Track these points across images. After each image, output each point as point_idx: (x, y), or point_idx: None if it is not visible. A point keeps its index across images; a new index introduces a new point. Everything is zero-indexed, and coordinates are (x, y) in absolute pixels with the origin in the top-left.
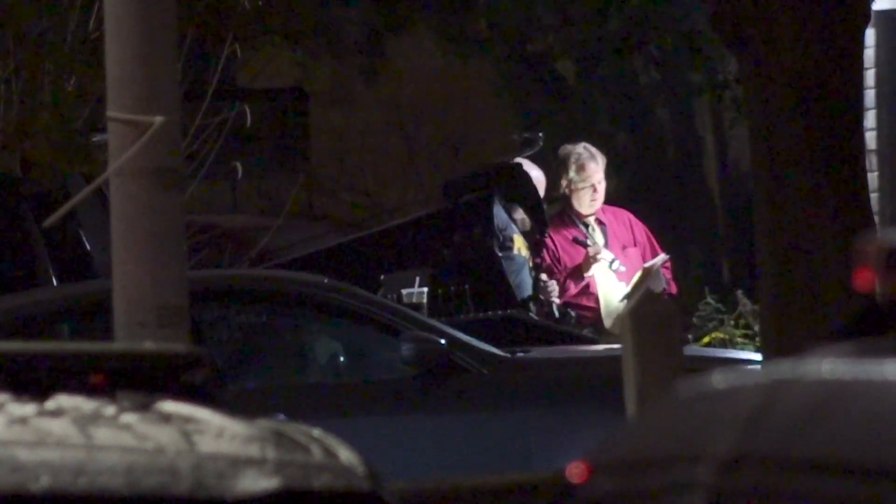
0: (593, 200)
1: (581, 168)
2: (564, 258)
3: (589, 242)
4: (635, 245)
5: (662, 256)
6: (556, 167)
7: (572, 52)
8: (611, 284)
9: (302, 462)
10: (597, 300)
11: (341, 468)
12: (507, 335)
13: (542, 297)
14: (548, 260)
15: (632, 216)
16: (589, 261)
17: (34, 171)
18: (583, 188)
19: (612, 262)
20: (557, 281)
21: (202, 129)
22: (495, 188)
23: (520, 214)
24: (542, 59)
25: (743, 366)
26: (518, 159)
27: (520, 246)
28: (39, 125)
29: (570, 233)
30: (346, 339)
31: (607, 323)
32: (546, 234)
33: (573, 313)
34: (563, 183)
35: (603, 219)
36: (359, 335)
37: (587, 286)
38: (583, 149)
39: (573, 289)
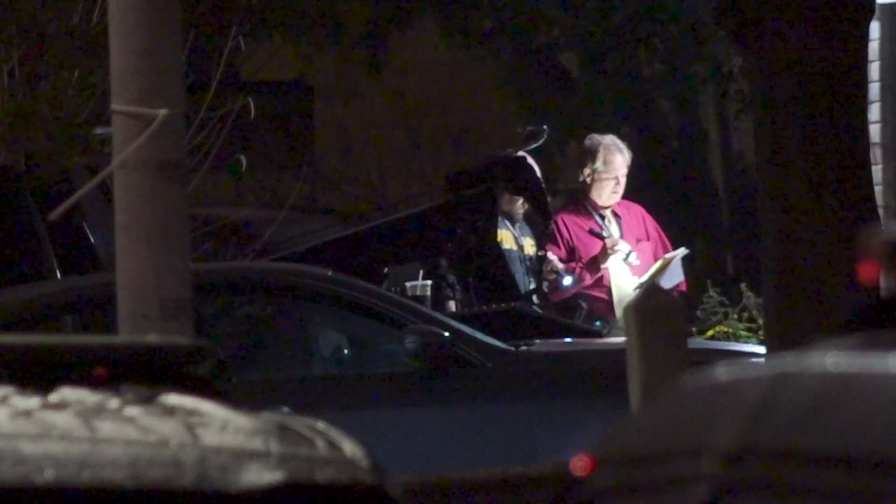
0: (614, 192)
1: (608, 159)
2: (579, 248)
3: (605, 234)
4: (648, 239)
5: (683, 250)
6: (580, 156)
7: (577, 44)
8: (624, 277)
9: (306, 455)
10: (609, 292)
11: (345, 461)
12: (512, 328)
13: (545, 290)
14: (562, 249)
15: (644, 211)
16: (606, 252)
17: (37, 163)
18: (606, 179)
19: (628, 255)
20: (572, 270)
21: (206, 121)
22: (498, 181)
23: (519, 208)
24: (547, 51)
25: (747, 359)
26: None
27: (503, 239)
28: (41, 118)
29: (586, 223)
30: (350, 331)
31: (619, 315)
32: (550, 227)
33: (584, 304)
34: (587, 172)
35: (618, 211)
36: (362, 328)
37: (600, 278)
38: (611, 141)
39: (588, 280)
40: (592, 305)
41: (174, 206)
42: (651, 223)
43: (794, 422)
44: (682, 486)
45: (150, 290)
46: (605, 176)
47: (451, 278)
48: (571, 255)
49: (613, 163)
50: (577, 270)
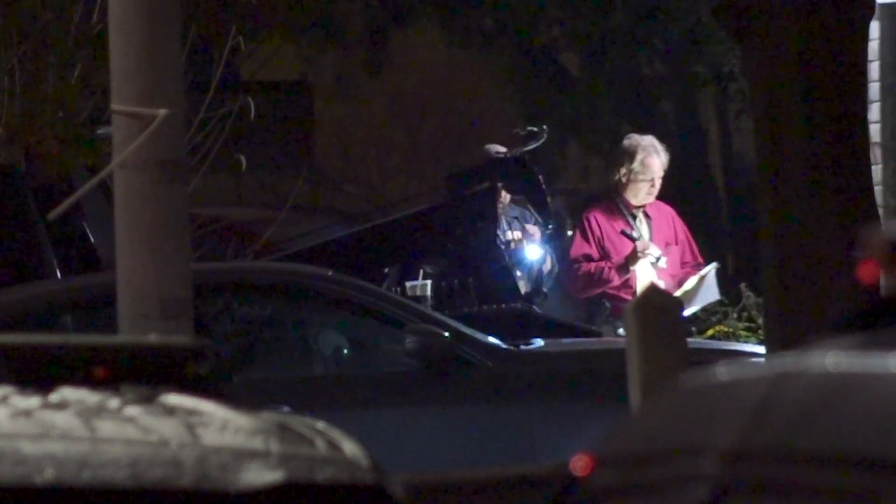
0: (648, 194)
1: (646, 161)
2: (609, 248)
3: (635, 235)
4: (676, 243)
5: (714, 265)
6: (616, 155)
7: (577, 44)
8: (650, 280)
9: (306, 455)
10: (634, 294)
11: (345, 461)
12: (512, 328)
13: (545, 289)
14: (592, 246)
15: (674, 213)
16: (637, 255)
17: (38, 163)
18: (642, 181)
19: (658, 259)
20: (603, 270)
21: (206, 121)
22: (500, 181)
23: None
24: (547, 51)
25: (747, 359)
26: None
27: None
28: (43, 118)
29: (617, 223)
30: (351, 331)
31: None
32: (550, 228)
33: (608, 304)
34: (622, 171)
35: (650, 212)
36: (363, 328)
37: (627, 279)
38: (650, 142)
39: (616, 280)
40: (617, 306)
41: (174, 205)
42: (681, 226)
43: (794, 422)
44: (683, 486)
45: (151, 290)
46: (641, 177)
47: (427, 284)
48: (602, 254)
49: (651, 165)
50: (606, 270)
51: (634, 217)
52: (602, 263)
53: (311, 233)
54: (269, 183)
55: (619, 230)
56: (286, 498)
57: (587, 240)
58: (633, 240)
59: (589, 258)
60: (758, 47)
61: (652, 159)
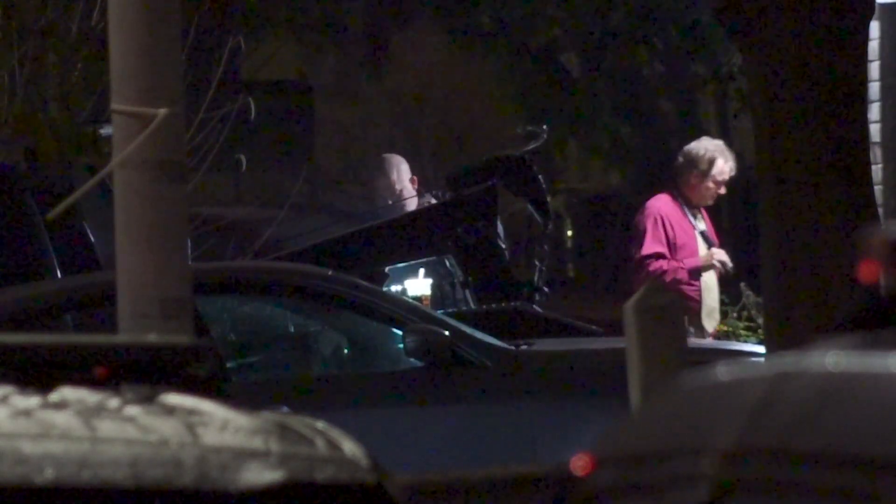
0: (713, 195)
1: (717, 162)
2: (681, 245)
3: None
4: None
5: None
6: (686, 158)
7: (577, 44)
8: (710, 282)
9: (306, 455)
10: (699, 292)
11: (345, 461)
12: (513, 328)
13: (540, 283)
14: (664, 245)
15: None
16: (710, 263)
17: (39, 162)
18: (712, 182)
19: (724, 265)
20: (677, 270)
21: (206, 121)
22: (500, 180)
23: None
24: (547, 51)
25: (747, 359)
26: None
27: None
28: (44, 117)
29: (683, 221)
30: (350, 331)
31: (705, 321)
32: (549, 227)
33: None
34: (691, 171)
35: (704, 212)
36: (363, 327)
37: (697, 277)
38: (718, 146)
39: (682, 273)
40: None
41: (174, 205)
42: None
43: (794, 422)
44: (682, 486)
45: (150, 290)
46: (710, 179)
47: (428, 284)
48: (673, 252)
49: (721, 167)
50: (680, 271)
51: (695, 215)
52: (675, 263)
53: (310, 232)
54: (268, 182)
55: (685, 227)
56: (286, 498)
57: (658, 238)
58: (709, 245)
59: (660, 256)
60: (758, 47)
61: (717, 160)
